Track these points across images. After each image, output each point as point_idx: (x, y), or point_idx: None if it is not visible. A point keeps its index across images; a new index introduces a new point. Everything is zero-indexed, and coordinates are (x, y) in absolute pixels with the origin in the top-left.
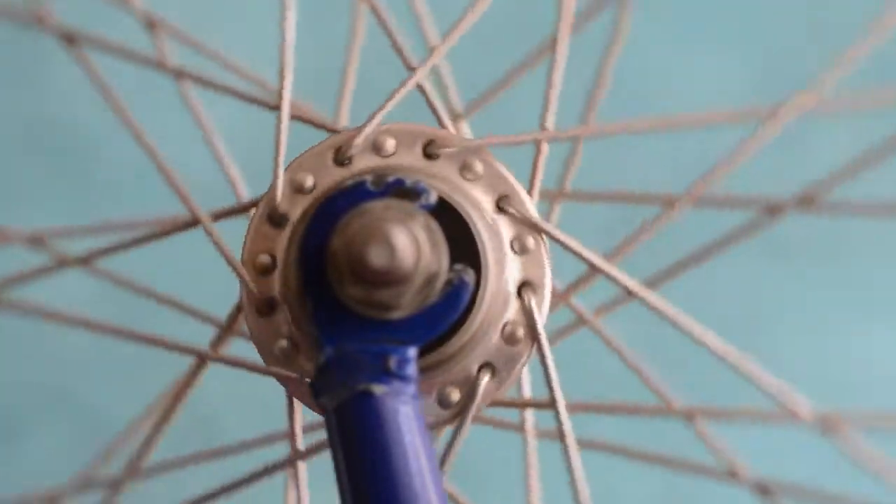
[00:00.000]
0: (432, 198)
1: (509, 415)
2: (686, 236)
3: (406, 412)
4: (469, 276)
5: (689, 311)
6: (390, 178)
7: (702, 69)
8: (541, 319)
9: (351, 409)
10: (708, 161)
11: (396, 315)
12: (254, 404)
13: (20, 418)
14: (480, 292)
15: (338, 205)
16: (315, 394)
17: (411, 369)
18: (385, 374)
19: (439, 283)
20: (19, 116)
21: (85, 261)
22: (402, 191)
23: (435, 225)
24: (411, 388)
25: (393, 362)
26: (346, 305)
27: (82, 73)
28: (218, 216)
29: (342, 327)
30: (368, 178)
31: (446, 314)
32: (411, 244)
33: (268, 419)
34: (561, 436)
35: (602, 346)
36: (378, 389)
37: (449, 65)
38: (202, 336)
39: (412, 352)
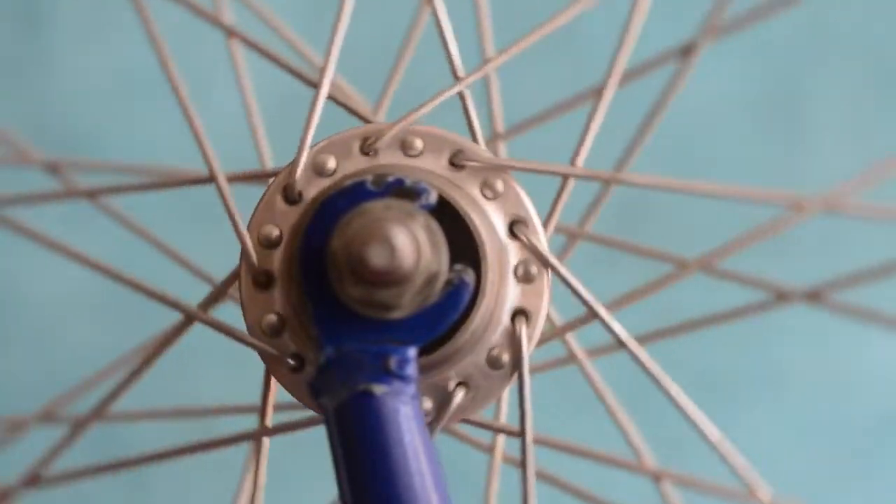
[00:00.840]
0: (432, 198)
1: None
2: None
3: (406, 412)
4: (469, 276)
5: (690, 311)
6: (390, 178)
7: (703, 70)
8: (527, 351)
9: (351, 409)
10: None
11: (396, 315)
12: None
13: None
14: (476, 303)
15: (338, 205)
16: (315, 394)
17: (411, 369)
18: (385, 374)
19: (439, 284)
20: (20, 117)
21: (93, 194)
22: (402, 191)
23: (435, 225)
24: (411, 388)
25: (393, 362)
26: (346, 305)
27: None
28: (234, 178)
29: (342, 327)
30: (368, 177)
31: (446, 314)
32: (411, 244)
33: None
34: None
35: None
36: (378, 389)
37: (498, 80)
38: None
39: (412, 352)
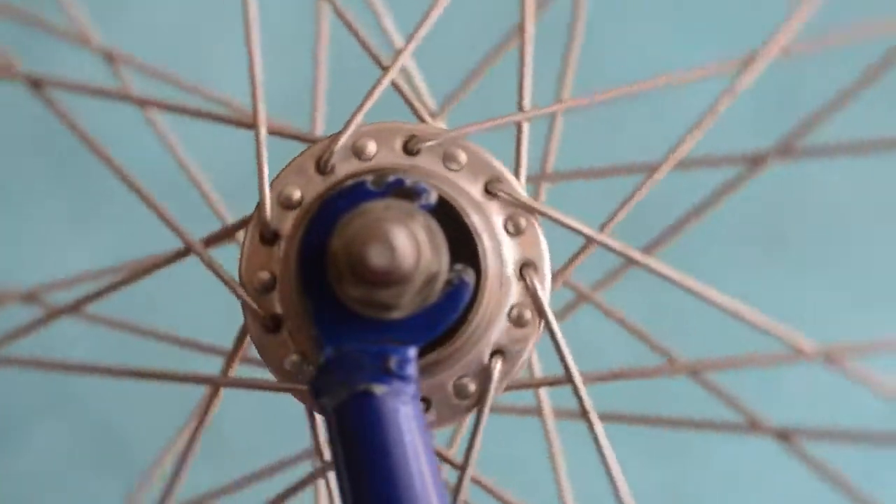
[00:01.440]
0: (432, 198)
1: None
2: (675, 208)
3: (406, 412)
4: (469, 275)
5: (690, 311)
6: (390, 178)
7: (700, 65)
8: (546, 297)
9: (351, 409)
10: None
11: (396, 315)
12: (250, 401)
13: (20, 419)
14: (481, 273)
15: (338, 205)
16: (315, 394)
17: (411, 369)
18: (385, 374)
19: (439, 283)
20: (21, 118)
21: (76, 307)
22: (401, 191)
23: (435, 225)
24: (411, 388)
25: (393, 362)
26: (346, 305)
27: (54, 113)
28: (210, 242)
29: (342, 327)
30: (368, 178)
31: (446, 314)
32: (411, 244)
33: (266, 416)
34: (582, 410)
35: (594, 335)
36: (378, 389)
37: (416, 64)
38: (209, 362)
39: (412, 352)
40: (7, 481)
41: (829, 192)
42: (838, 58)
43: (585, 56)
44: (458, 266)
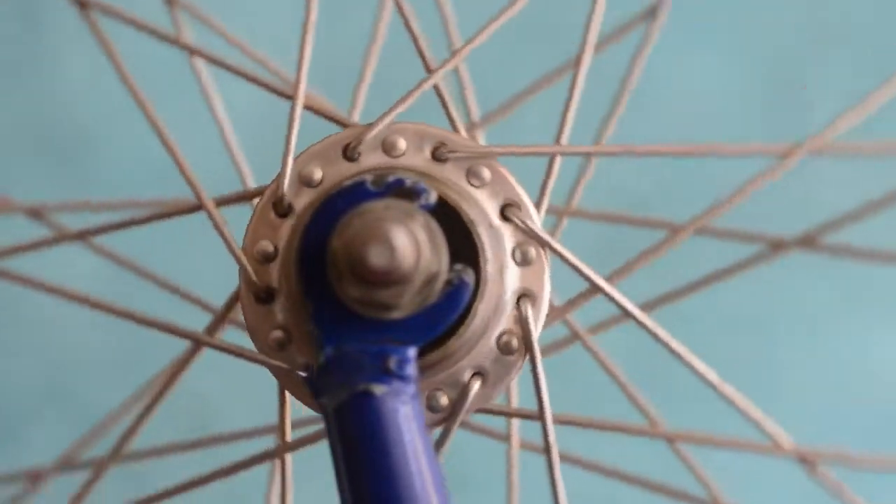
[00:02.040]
0: (432, 198)
1: (496, 424)
2: (687, 260)
3: (406, 412)
4: (469, 276)
5: (689, 311)
6: (390, 178)
7: (702, 69)
8: (536, 331)
9: (351, 409)
10: (709, 172)
11: (396, 315)
12: (248, 398)
13: (20, 418)
14: (479, 293)
15: (338, 205)
16: (315, 394)
17: (411, 369)
18: (385, 374)
19: (439, 284)
20: (20, 116)
21: (83, 235)
22: (402, 191)
23: (435, 225)
24: (411, 388)
25: (393, 362)
26: (346, 305)
27: (89, 57)
28: (222, 201)
29: (342, 327)
30: (368, 177)
31: (446, 314)
32: (411, 244)
33: (262, 413)
34: (546, 448)
35: (592, 360)
36: (378, 389)
37: (468, 70)
38: (198, 326)
39: (412, 352)
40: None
41: (829, 193)
42: (839, 58)
43: (605, 71)
44: (458, 266)
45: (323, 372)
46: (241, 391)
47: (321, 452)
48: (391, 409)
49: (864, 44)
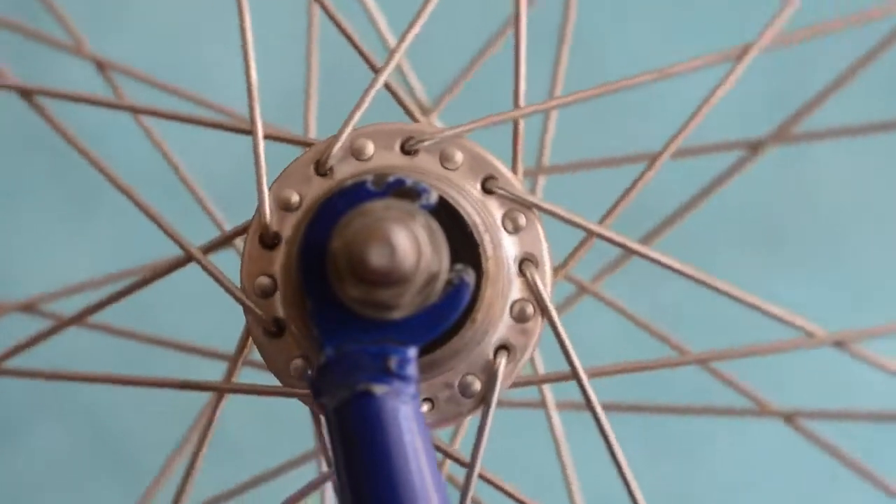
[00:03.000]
0: (433, 198)
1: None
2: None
3: (406, 412)
4: (469, 275)
5: (689, 310)
6: (391, 178)
7: (702, 70)
8: (547, 292)
9: (351, 409)
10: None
11: (397, 315)
12: (254, 403)
13: (18, 420)
14: (482, 290)
15: (338, 205)
16: (315, 394)
17: (411, 369)
18: (385, 374)
19: (440, 283)
20: (20, 117)
21: (79, 319)
22: (402, 191)
23: (435, 225)
24: (411, 388)
25: (393, 362)
26: (346, 305)
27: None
28: (209, 249)
29: (342, 327)
30: (369, 177)
31: (447, 314)
32: (412, 244)
33: (266, 415)
34: (588, 403)
35: (593, 333)
36: (378, 389)
37: (409, 62)
38: (214, 360)
39: (412, 352)
40: (6, 481)
41: (829, 192)
42: (841, 48)
43: (585, 57)
44: (459, 266)
45: (323, 372)
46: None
47: None
48: (391, 409)
49: (865, 44)
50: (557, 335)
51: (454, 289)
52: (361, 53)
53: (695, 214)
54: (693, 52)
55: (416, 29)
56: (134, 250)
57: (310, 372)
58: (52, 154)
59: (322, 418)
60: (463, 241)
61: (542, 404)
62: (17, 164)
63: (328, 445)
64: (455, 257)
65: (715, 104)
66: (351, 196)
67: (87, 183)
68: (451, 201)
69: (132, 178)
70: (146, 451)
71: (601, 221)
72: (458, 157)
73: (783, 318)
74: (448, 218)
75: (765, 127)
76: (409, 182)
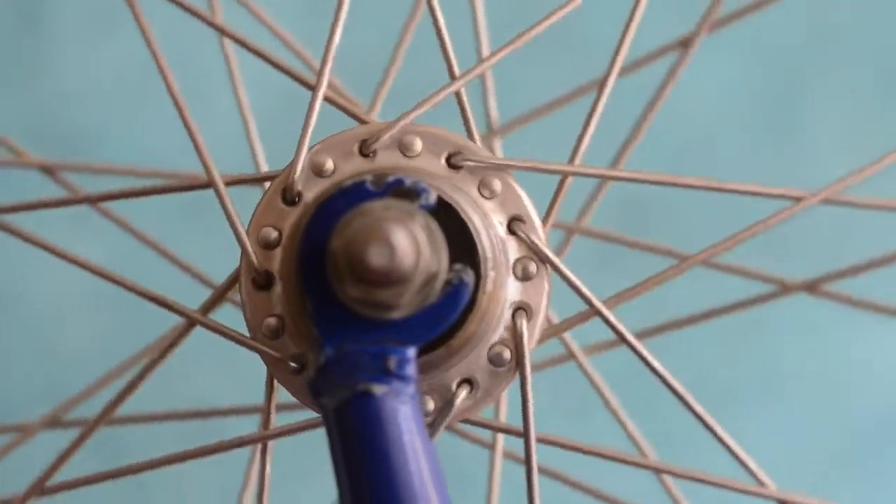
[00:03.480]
0: (432, 198)
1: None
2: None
3: (406, 412)
4: (469, 276)
5: (688, 309)
6: (390, 178)
7: (702, 69)
8: (529, 347)
9: (351, 409)
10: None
11: (396, 315)
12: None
13: (19, 415)
14: (479, 294)
15: (337, 205)
16: (315, 394)
17: (411, 369)
18: (385, 374)
19: (439, 284)
20: (19, 116)
21: (93, 200)
22: (401, 191)
23: (435, 225)
24: (411, 388)
25: (392, 362)
26: (345, 305)
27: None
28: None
29: (342, 327)
30: (368, 177)
31: (446, 314)
32: (411, 244)
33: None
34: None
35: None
36: (378, 389)
37: (493, 77)
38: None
39: (412, 352)
40: (6, 481)
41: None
42: (841, 61)
43: (585, 57)
44: (458, 266)
45: (323, 372)
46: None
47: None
48: (391, 408)
49: (863, 46)
50: (524, 392)
51: (453, 289)
52: (447, 54)
53: (696, 215)
54: (706, 60)
55: (512, 47)
56: (131, 259)
57: (282, 334)
58: (52, 154)
59: (274, 383)
60: (462, 243)
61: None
62: (11, 174)
63: (270, 409)
64: (454, 256)
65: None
66: (350, 196)
67: (87, 183)
68: (449, 201)
69: (130, 179)
70: (147, 450)
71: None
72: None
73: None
74: (447, 217)
75: (764, 128)
76: (408, 182)
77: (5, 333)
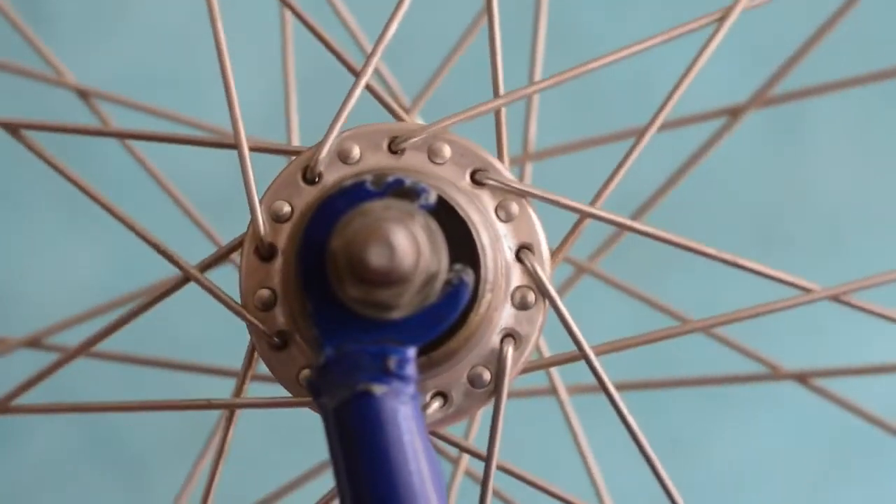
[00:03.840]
0: (432, 198)
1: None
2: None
3: (405, 412)
4: (469, 276)
5: (689, 308)
6: (390, 178)
7: (703, 73)
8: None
9: (351, 409)
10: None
11: (396, 315)
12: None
13: (20, 418)
14: (478, 295)
15: (337, 205)
16: (315, 394)
17: (411, 369)
18: (385, 374)
19: (439, 283)
20: (19, 116)
21: (85, 348)
22: (401, 190)
23: (434, 225)
24: (411, 388)
25: (392, 362)
26: (345, 305)
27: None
28: (206, 267)
29: (342, 327)
30: (368, 177)
31: (446, 314)
32: (411, 244)
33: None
34: (600, 383)
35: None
36: (378, 389)
37: (386, 64)
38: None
39: (412, 352)
40: (7, 480)
41: (828, 193)
42: (839, 58)
43: (584, 56)
44: (458, 266)
45: (322, 372)
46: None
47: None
48: (391, 409)
49: (863, 47)
50: (561, 317)
51: (453, 289)
52: (340, 58)
53: (698, 214)
54: (692, 53)
55: (393, 29)
56: (134, 256)
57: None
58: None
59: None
60: (462, 243)
61: (553, 390)
62: (18, 164)
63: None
64: (454, 257)
65: (698, 73)
66: (350, 196)
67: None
68: (449, 201)
69: (130, 181)
70: (147, 451)
71: (593, 202)
72: (446, 151)
73: (781, 278)
74: (447, 217)
75: (764, 125)
76: (408, 182)
77: (5, 333)
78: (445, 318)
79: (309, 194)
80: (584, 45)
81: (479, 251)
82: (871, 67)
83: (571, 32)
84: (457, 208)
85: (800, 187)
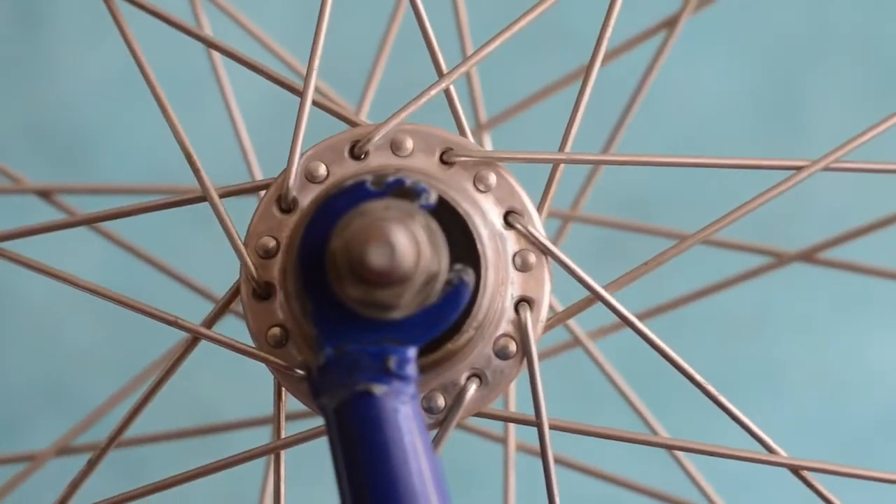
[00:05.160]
0: (432, 198)
1: (494, 426)
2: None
3: (406, 412)
4: (469, 276)
5: (689, 308)
6: (390, 178)
7: (700, 63)
8: (534, 338)
9: (351, 409)
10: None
11: (396, 315)
12: (252, 404)
13: (18, 416)
14: (479, 293)
15: (338, 205)
16: (315, 394)
17: (411, 369)
18: (385, 374)
19: (439, 284)
20: (20, 116)
21: (90, 221)
22: (402, 190)
23: (435, 225)
24: (411, 388)
25: (392, 362)
26: (345, 305)
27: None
28: (226, 193)
29: (342, 327)
30: (368, 177)
31: (446, 314)
32: (411, 244)
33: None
34: (543, 455)
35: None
36: (378, 389)
37: (478, 74)
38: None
39: (412, 352)
40: (7, 478)
41: (828, 194)
42: (838, 60)
43: (584, 56)
44: (458, 266)
45: (322, 372)
46: (245, 397)
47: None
48: (391, 409)
49: (862, 46)
50: (532, 381)
51: (454, 289)
52: (433, 52)
53: (698, 211)
54: (691, 49)
55: (497, 43)
56: (132, 269)
57: (286, 343)
58: (52, 154)
59: (283, 392)
60: (462, 242)
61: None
62: (17, 165)
63: (280, 418)
64: (454, 256)
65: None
66: (350, 196)
67: (86, 181)
68: (450, 201)
69: (134, 168)
70: (147, 450)
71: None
72: (491, 180)
73: (753, 433)
74: (447, 217)
75: (763, 124)
76: (408, 182)
77: (5, 333)
78: (446, 318)
79: (349, 168)
80: (583, 45)
81: (480, 251)
82: (872, 67)
83: (558, 30)
84: (457, 208)
85: (800, 188)
